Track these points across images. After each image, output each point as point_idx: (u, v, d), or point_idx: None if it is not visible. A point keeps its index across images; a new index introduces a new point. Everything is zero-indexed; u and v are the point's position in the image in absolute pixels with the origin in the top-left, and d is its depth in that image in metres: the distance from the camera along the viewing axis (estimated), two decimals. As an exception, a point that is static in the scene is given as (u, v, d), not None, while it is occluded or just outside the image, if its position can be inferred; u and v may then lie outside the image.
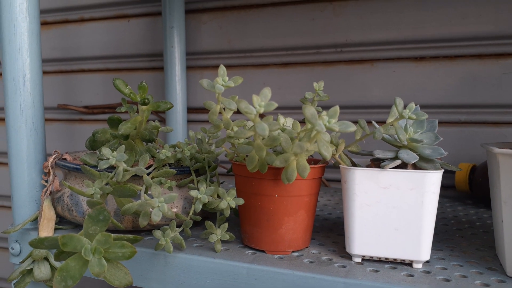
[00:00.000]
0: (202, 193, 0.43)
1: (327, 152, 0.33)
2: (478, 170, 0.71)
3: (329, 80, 0.86)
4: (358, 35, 0.84)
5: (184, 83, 0.93)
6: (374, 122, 0.44)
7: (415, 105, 0.46)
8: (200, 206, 0.43)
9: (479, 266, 0.44)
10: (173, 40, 0.91)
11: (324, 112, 0.34)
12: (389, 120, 0.40)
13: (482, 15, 0.76)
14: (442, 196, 0.79)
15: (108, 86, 1.06)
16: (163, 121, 0.98)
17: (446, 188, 0.81)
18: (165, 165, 0.54)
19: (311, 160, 0.52)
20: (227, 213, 0.44)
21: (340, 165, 0.45)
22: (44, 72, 1.12)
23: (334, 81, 0.86)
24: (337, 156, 0.46)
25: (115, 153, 0.40)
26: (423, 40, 0.80)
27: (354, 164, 0.50)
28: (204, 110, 0.97)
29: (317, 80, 0.86)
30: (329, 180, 0.90)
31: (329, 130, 0.32)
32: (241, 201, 0.43)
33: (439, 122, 0.80)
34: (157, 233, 0.44)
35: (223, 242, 0.50)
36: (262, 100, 0.34)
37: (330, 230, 0.57)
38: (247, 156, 0.45)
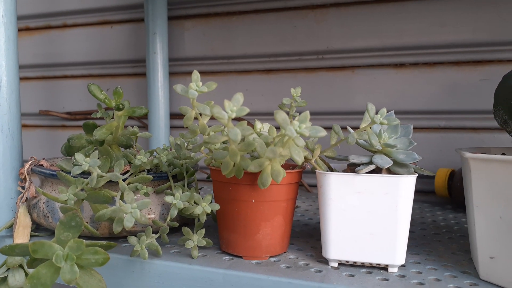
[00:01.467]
0: (177, 199, 0.42)
1: (299, 157, 0.33)
2: (456, 175, 0.72)
3: (311, 86, 0.87)
4: (339, 42, 0.85)
5: (166, 89, 0.93)
6: (349, 128, 0.45)
7: (390, 111, 0.47)
8: (176, 212, 0.43)
9: (454, 270, 0.45)
10: (155, 46, 0.91)
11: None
12: (362, 125, 0.41)
13: (460, 23, 0.78)
14: (422, 201, 0.80)
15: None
16: (145, 127, 0.98)
17: (427, 193, 0.81)
18: (143, 171, 0.53)
19: (290, 165, 0.52)
20: (203, 218, 0.44)
21: (316, 170, 0.45)
22: (27, 78, 1.11)
23: (316, 87, 0.87)
24: (313, 161, 0.46)
25: (88, 158, 0.40)
26: (403, 47, 0.81)
27: (331, 169, 0.50)
28: (187, 116, 0.97)
29: (301, 87, 0.87)
30: (311, 185, 0.90)
31: (300, 135, 0.32)
32: (216, 207, 0.43)
33: (419, 128, 0.81)
34: (132, 239, 0.43)
35: (201, 248, 0.50)
36: (234, 105, 0.34)
37: (310, 236, 0.57)
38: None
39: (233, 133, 0.33)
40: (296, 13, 0.87)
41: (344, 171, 0.49)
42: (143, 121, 0.99)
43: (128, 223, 0.37)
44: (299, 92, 0.51)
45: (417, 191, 0.82)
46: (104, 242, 0.40)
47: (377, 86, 0.83)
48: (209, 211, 0.43)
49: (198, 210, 0.42)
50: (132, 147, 0.54)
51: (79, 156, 0.40)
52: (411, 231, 0.60)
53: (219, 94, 0.93)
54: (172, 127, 0.97)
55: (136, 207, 0.38)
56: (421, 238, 0.56)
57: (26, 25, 1.10)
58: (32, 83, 1.11)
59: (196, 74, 0.37)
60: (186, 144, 0.55)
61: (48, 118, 1.09)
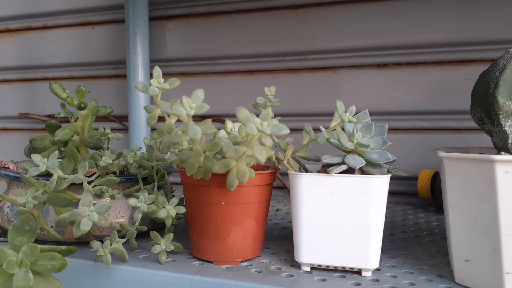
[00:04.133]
0: (141, 202, 0.41)
1: (261, 156, 0.32)
2: (439, 177, 0.71)
3: (294, 87, 0.86)
4: (322, 42, 0.83)
5: (148, 90, 0.91)
6: (321, 127, 0.43)
7: (364, 110, 0.46)
8: (140, 215, 0.41)
9: (430, 274, 0.43)
10: (136, 47, 0.89)
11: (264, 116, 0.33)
12: (332, 124, 0.39)
13: (444, 22, 0.77)
14: (406, 203, 0.78)
15: (73, 94, 1.03)
16: (126, 129, 0.96)
17: (411, 195, 0.80)
18: (114, 173, 0.52)
19: (265, 166, 0.51)
20: (169, 222, 0.42)
21: (287, 171, 0.44)
22: (6, 81, 1.09)
23: (298, 88, 0.86)
24: (285, 161, 0.45)
25: (45, 159, 0.38)
26: (386, 47, 0.80)
27: (306, 170, 0.49)
28: (169, 118, 0.95)
29: (282, 88, 0.86)
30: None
31: (262, 133, 0.31)
32: (181, 209, 0.42)
33: (402, 129, 0.80)
34: (95, 244, 0.42)
35: (172, 253, 0.48)
36: (194, 102, 0.32)
37: (287, 239, 0.55)
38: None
39: (192, 132, 0.31)
40: (278, 13, 0.86)
41: (318, 172, 0.47)
42: (124, 123, 0.97)
43: (85, 227, 0.35)
44: (273, 91, 0.50)
45: (400, 193, 0.81)
46: (64, 247, 0.38)
47: (359, 86, 0.82)
48: (173, 214, 0.41)
49: (162, 213, 0.40)
50: (102, 149, 0.53)
51: (36, 157, 0.38)
52: (391, 234, 0.58)
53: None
54: (154, 130, 0.95)
55: (94, 210, 0.36)
56: (401, 241, 0.55)
57: (7, 27, 1.08)
58: (12, 86, 1.08)
59: (157, 71, 0.36)
60: (159, 145, 0.53)
61: (28, 121, 1.07)
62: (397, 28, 0.79)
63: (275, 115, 0.90)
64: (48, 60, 1.05)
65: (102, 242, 0.43)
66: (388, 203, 0.79)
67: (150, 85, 0.36)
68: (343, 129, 0.41)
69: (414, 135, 0.79)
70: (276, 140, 0.50)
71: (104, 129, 0.55)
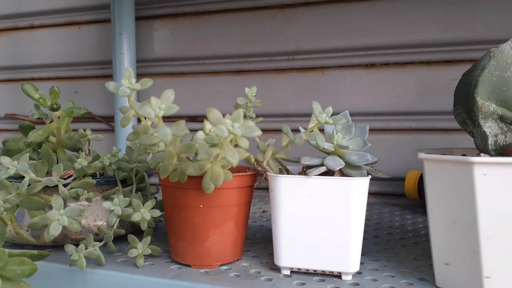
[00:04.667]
0: (115, 205, 0.40)
1: (233, 158, 0.31)
2: (426, 178, 0.70)
3: (282, 88, 0.85)
4: (310, 42, 0.83)
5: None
6: (301, 128, 0.42)
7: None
8: (114, 219, 0.40)
9: (411, 277, 0.43)
10: (122, 47, 0.88)
11: (229, 116, 0.32)
12: (310, 125, 0.39)
13: (431, 22, 0.76)
14: (394, 204, 0.78)
15: (60, 95, 1.02)
16: (113, 129, 0.95)
17: (398, 196, 0.80)
18: (94, 174, 0.51)
19: (246, 168, 0.50)
20: (144, 226, 0.41)
21: (267, 173, 0.43)
22: (-7, 81, 1.07)
23: (286, 89, 0.85)
24: (264, 163, 0.44)
25: (15, 162, 0.37)
26: (373, 47, 0.79)
27: (288, 172, 0.48)
28: (157, 119, 0.94)
29: (270, 88, 0.85)
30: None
31: (233, 135, 0.30)
32: (156, 213, 0.41)
33: (390, 130, 0.79)
34: (70, 248, 0.41)
35: (151, 257, 0.47)
36: (163, 102, 0.31)
37: (270, 242, 0.54)
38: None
39: (162, 133, 0.30)
40: (265, 13, 0.85)
41: (299, 173, 0.47)
42: (110, 123, 0.96)
43: (54, 231, 0.34)
44: (254, 92, 0.49)
45: (388, 194, 0.80)
46: (35, 252, 0.37)
47: (347, 87, 0.81)
48: (148, 218, 0.40)
49: (136, 217, 0.39)
50: (82, 150, 0.52)
51: (5, 160, 0.37)
52: (376, 236, 0.58)
53: (188, 96, 0.91)
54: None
55: (64, 214, 0.35)
56: (385, 243, 0.54)
57: (-7, 26, 1.07)
58: (-2, 86, 1.07)
59: (128, 71, 0.35)
60: (139, 147, 0.52)
61: (16, 122, 1.06)
62: (384, 28, 0.78)
63: (261, 116, 0.90)
64: (35, 60, 1.04)
65: (78, 246, 0.42)
66: (375, 204, 0.78)
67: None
68: (322, 130, 0.40)
69: (401, 136, 0.79)
70: (258, 141, 0.50)
71: (85, 130, 0.55)
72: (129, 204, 0.44)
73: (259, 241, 0.55)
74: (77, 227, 0.36)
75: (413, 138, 0.78)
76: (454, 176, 0.36)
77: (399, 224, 0.64)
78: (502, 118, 0.36)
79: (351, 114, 0.81)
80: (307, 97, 0.83)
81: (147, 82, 0.35)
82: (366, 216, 0.69)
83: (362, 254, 0.50)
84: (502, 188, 0.33)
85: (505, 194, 0.33)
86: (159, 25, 0.93)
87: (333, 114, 0.85)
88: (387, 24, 0.78)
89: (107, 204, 0.39)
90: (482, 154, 0.37)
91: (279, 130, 0.84)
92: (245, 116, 0.52)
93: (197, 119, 0.89)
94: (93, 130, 1.01)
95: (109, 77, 0.97)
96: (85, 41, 0.99)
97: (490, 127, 0.36)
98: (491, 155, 0.38)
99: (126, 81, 0.34)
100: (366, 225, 0.63)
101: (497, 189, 0.33)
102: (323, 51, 0.82)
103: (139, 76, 0.94)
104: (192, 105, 0.90)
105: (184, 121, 0.34)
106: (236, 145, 0.35)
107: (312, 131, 0.38)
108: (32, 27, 1.04)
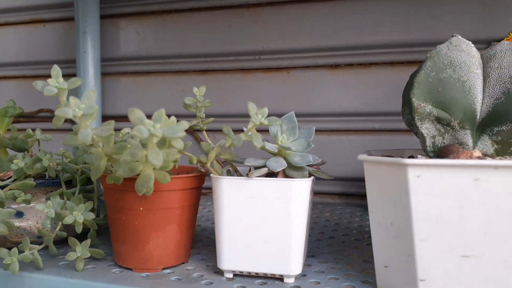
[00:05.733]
0: (49, 207, 0.39)
1: (157, 160, 0.30)
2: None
3: (248, 88, 0.84)
4: (275, 42, 0.82)
5: (98, 89, 0.88)
6: (245, 129, 0.42)
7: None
8: (48, 222, 0.39)
9: (355, 280, 0.42)
10: (86, 45, 0.86)
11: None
12: (249, 126, 0.38)
13: (394, 23, 0.76)
14: (357, 205, 0.77)
15: (25, 93, 1.00)
16: (77, 130, 0.93)
17: (362, 197, 0.79)
18: (44, 175, 0.50)
19: (194, 169, 0.49)
20: (79, 229, 0.40)
21: (210, 174, 0.42)
22: (-44, 79, 1.05)
23: (252, 89, 0.84)
24: (208, 164, 0.43)
25: None
26: (338, 47, 0.79)
27: (237, 173, 0.47)
28: (122, 118, 0.93)
29: (237, 88, 0.84)
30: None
31: (153, 136, 0.29)
32: (90, 216, 0.40)
33: (354, 130, 0.79)
34: (3, 251, 0.39)
35: (95, 260, 0.46)
36: (84, 102, 0.30)
37: (223, 244, 0.54)
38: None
39: (82, 134, 0.29)
40: (231, 12, 0.84)
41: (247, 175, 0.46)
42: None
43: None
44: (202, 91, 0.48)
45: (352, 195, 0.80)
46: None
47: (312, 87, 0.81)
48: (81, 220, 0.39)
49: (69, 219, 0.38)
50: (27, 151, 0.50)
51: None
52: (331, 237, 0.57)
53: (154, 95, 0.90)
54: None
55: (-14, 217, 0.34)
56: (339, 245, 0.54)
57: (-44, 23, 1.04)
58: (-39, 84, 1.05)
59: (55, 70, 0.34)
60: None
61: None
62: (348, 28, 0.78)
63: (227, 116, 0.89)
64: (-1, 58, 1.01)
65: (6, 249, 0.41)
66: (338, 204, 0.78)
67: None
68: (259, 131, 0.40)
69: (365, 136, 0.79)
70: (209, 142, 0.49)
71: (34, 130, 0.53)
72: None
73: (212, 243, 0.54)
74: (4, 230, 0.35)
75: (376, 138, 0.78)
76: (390, 178, 0.35)
77: (358, 225, 0.64)
78: (438, 120, 0.35)
79: (316, 115, 0.81)
80: (273, 97, 0.83)
81: (76, 81, 0.34)
82: (326, 217, 0.69)
83: (313, 256, 0.49)
84: (434, 190, 0.33)
85: (438, 197, 0.33)
86: (125, 24, 0.91)
87: (298, 115, 0.84)
88: (351, 25, 0.78)
89: (40, 206, 0.38)
90: (419, 156, 0.37)
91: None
92: (195, 116, 0.51)
93: (163, 119, 0.87)
94: (60, 130, 0.99)
95: (75, 75, 0.95)
96: (50, 39, 0.97)
97: (427, 129, 0.36)
98: (430, 157, 0.38)
99: (53, 80, 0.33)
100: (323, 226, 0.63)
101: (430, 192, 0.33)
102: (288, 51, 0.81)
103: (104, 75, 0.92)
104: (158, 105, 0.89)
105: (113, 121, 0.33)
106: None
107: (250, 133, 0.37)
108: (-4, 24, 1.01)
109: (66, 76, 0.95)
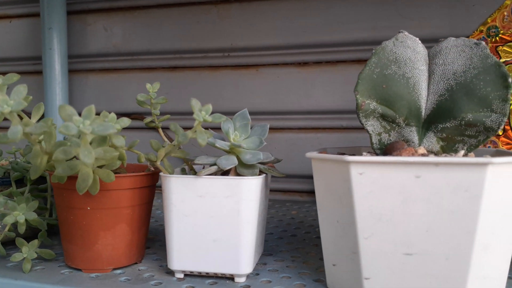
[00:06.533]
0: (-10, 207, 0.38)
1: (88, 158, 0.29)
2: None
3: (217, 85, 0.84)
4: (244, 39, 0.81)
5: (65, 87, 0.87)
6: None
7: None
8: (-11, 222, 0.38)
9: (308, 278, 0.42)
10: (52, 42, 0.85)
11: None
12: (196, 123, 0.37)
13: (362, 21, 0.76)
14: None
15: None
16: (44, 128, 0.92)
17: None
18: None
19: (146, 167, 0.48)
20: (22, 229, 0.39)
21: (160, 173, 0.42)
22: None
23: (222, 86, 0.83)
24: (158, 162, 0.42)
25: None
26: (306, 45, 0.79)
27: (194, 171, 0.46)
28: (91, 116, 0.91)
29: (206, 85, 0.84)
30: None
31: (83, 133, 0.28)
32: (31, 216, 0.39)
33: (322, 128, 0.79)
34: None
35: (45, 261, 0.45)
36: (13, 98, 0.30)
37: (182, 243, 0.53)
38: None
39: (12, 131, 0.28)
40: (199, 8, 0.83)
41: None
42: (42, 122, 0.92)
43: None
44: (156, 88, 0.47)
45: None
46: None
47: (280, 85, 0.80)
48: (22, 221, 0.38)
49: (9, 219, 0.37)
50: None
51: None
52: (293, 235, 0.57)
53: (122, 93, 0.88)
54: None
55: None
56: (299, 243, 0.54)
57: None
58: None
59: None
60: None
61: None
62: (316, 26, 0.78)
63: (190, 113, 0.87)
64: (-36, 54, 0.99)
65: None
66: (306, 202, 0.78)
67: None
68: (207, 128, 0.39)
69: (333, 134, 0.78)
70: (165, 140, 0.48)
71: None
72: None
73: (171, 242, 0.54)
74: None
75: (344, 136, 0.78)
76: (335, 176, 0.35)
77: (322, 223, 0.64)
78: (383, 117, 0.35)
79: (285, 113, 0.81)
80: (242, 94, 0.82)
81: (12, 77, 0.33)
82: (292, 214, 0.69)
83: (270, 254, 0.49)
84: (377, 187, 0.33)
85: (380, 194, 0.33)
86: (92, 20, 0.90)
87: (267, 113, 0.83)
88: (319, 23, 0.78)
89: (-20, 207, 0.37)
90: (365, 153, 0.36)
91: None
92: (150, 114, 0.50)
93: (131, 116, 0.86)
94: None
95: (41, 73, 0.93)
96: (16, 36, 0.95)
97: (372, 126, 0.36)
98: (377, 154, 0.38)
99: (-13, 76, 0.32)
100: (287, 224, 0.62)
101: (372, 189, 0.33)
102: (257, 48, 0.81)
103: (72, 72, 0.90)
104: (127, 102, 0.88)
105: (51, 118, 0.32)
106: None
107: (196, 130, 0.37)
108: (-39, 20, 0.99)
109: (33, 73, 0.93)
